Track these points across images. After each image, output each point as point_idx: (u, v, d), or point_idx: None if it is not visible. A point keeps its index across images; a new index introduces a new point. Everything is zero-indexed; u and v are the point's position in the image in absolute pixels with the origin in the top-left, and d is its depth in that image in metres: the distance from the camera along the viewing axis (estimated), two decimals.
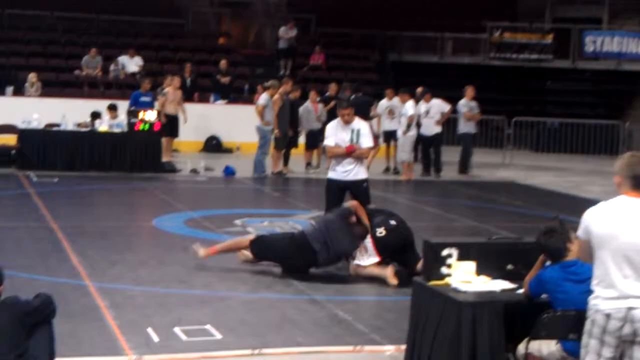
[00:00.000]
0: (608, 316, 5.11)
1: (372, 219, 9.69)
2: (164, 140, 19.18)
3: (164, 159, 18.98)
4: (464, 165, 20.60)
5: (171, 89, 19.87)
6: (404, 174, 19.35)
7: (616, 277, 5.12)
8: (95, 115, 18.81)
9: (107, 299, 8.56)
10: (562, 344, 5.68)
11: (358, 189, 10.88)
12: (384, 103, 20.18)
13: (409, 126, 18.93)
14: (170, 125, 19.71)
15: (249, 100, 22.75)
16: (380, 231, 9.59)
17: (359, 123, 10.90)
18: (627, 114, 27.93)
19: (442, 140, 20.12)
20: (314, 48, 28.19)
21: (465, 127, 20.57)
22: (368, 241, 9.58)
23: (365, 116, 18.22)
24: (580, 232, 5.31)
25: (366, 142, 10.81)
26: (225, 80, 24.51)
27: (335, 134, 10.86)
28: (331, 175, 11.05)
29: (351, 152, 10.75)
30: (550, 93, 30.28)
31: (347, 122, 10.81)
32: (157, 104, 19.78)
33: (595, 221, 5.20)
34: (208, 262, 10.33)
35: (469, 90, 20.62)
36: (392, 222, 9.74)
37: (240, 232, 12.30)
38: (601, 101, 29.67)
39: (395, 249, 9.68)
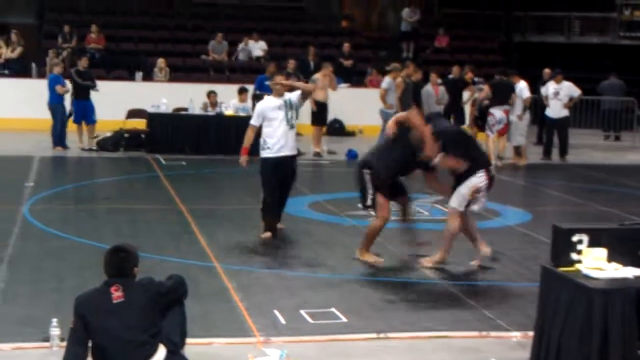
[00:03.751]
0: None
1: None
2: (313, 129, 19.10)
3: (315, 149, 18.90)
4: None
5: (320, 75, 19.31)
6: (522, 158, 18.74)
7: None
8: (212, 94, 18.97)
9: (235, 280, 8.74)
10: None
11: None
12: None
13: (525, 109, 18.37)
14: (319, 114, 19.18)
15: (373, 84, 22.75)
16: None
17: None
18: None
19: (569, 124, 19.66)
20: (437, 30, 27.95)
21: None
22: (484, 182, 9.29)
23: (506, 101, 17.95)
24: None
25: None
26: (347, 63, 24.54)
27: None
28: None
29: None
30: None
31: None
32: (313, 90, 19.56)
33: None
34: (333, 245, 10.42)
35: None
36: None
37: (365, 215, 12.34)
38: None
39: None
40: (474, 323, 7.67)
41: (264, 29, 26.56)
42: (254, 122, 10.72)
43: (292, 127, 10.70)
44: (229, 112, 18.80)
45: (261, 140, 10.70)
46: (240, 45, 25.24)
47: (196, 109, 18.83)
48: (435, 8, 30.36)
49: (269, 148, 10.62)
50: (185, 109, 18.95)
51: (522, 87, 18.30)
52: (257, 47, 25.36)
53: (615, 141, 23.98)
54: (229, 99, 19.16)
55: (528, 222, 12.31)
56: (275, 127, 10.56)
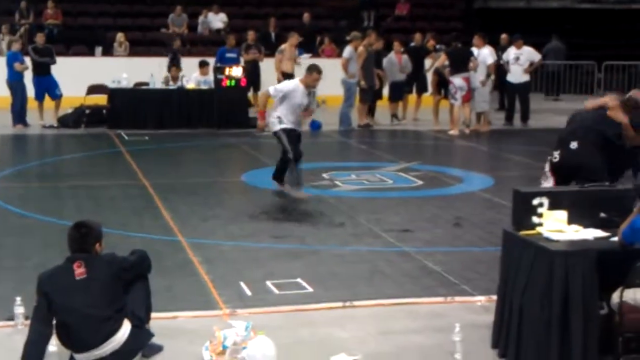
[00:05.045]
0: None
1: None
2: None
3: None
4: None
5: (288, 45, 19.33)
6: (485, 124, 18.78)
7: None
8: (173, 68, 18.85)
9: (200, 254, 8.73)
10: None
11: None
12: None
13: (489, 75, 18.35)
14: None
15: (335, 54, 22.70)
16: (555, 155, 8.15)
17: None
18: None
19: (530, 89, 19.75)
20: None
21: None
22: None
23: (465, 68, 17.88)
24: None
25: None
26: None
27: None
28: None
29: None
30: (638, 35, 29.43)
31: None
32: (274, 61, 19.49)
33: None
34: (298, 216, 10.45)
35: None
36: (573, 145, 8.07)
37: (329, 185, 12.37)
38: None
39: (570, 176, 7.98)
40: (439, 289, 7.73)
41: (224, 1, 26.36)
42: (273, 93, 11.30)
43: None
44: (190, 85, 18.71)
45: (275, 116, 11.33)
46: (200, 18, 25.05)
47: (157, 83, 18.71)
48: None
49: (285, 124, 11.29)
50: (147, 84, 18.82)
51: (486, 54, 18.23)
52: (218, 20, 25.19)
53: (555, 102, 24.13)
54: (191, 72, 19.06)
55: (491, 187, 12.40)
56: (293, 110, 11.27)
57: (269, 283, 7.77)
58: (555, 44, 24.99)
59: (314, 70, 11.40)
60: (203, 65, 19.13)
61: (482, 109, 18.59)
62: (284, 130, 11.29)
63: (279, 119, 11.27)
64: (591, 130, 8.04)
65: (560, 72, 24.56)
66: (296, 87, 11.33)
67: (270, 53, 20.92)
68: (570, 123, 8.37)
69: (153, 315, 6.14)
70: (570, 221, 6.26)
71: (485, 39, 18.45)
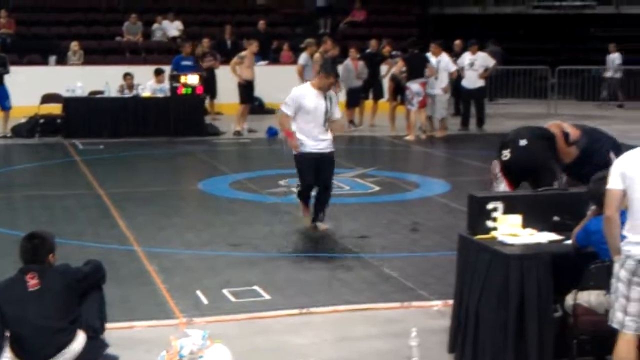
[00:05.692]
0: (638, 261, 5.17)
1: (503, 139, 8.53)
2: (240, 107, 18.91)
3: (235, 127, 18.76)
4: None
5: (248, 53, 19.17)
6: (441, 130, 18.86)
7: None
8: (128, 77, 18.75)
9: (156, 263, 8.67)
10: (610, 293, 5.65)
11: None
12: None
13: (451, 82, 18.45)
14: (247, 92, 19.02)
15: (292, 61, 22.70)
16: (505, 154, 8.23)
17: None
18: None
19: (485, 94, 19.90)
20: (353, 4, 27.98)
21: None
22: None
23: (421, 74, 17.96)
24: (611, 182, 5.33)
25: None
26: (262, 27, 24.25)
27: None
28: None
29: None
30: (593, 40, 29.78)
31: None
32: (229, 67, 19.44)
33: (629, 166, 5.25)
34: (254, 223, 10.42)
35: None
36: (522, 142, 8.26)
37: (285, 192, 12.36)
38: None
39: (523, 173, 8.17)
40: (396, 294, 7.74)
41: (180, 9, 26.27)
42: (285, 109, 9.99)
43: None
44: (146, 93, 18.60)
45: (296, 137, 10.00)
46: (155, 26, 24.93)
47: (112, 92, 18.57)
48: None
49: (303, 146, 9.98)
50: (101, 92, 18.67)
51: (447, 61, 18.37)
52: (173, 27, 25.07)
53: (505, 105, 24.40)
54: (146, 81, 18.94)
55: (447, 192, 12.46)
56: (310, 120, 9.90)
57: (225, 291, 7.73)
58: (492, 49, 25.13)
59: (326, 71, 9.97)
60: (158, 73, 19.02)
61: (442, 115, 18.72)
62: (299, 156, 9.97)
63: (299, 140, 9.91)
64: (537, 128, 8.30)
65: (499, 76, 24.70)
66: (306, 90, 9.94)
67: (226, 60, 20.85)
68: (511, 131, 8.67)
69: (108, 325, 6.07)
70: (525, 225, 6.31)
71: (441, 46, 18.58)
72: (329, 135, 10.03)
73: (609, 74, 25.25)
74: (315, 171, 9.93)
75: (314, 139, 9.88)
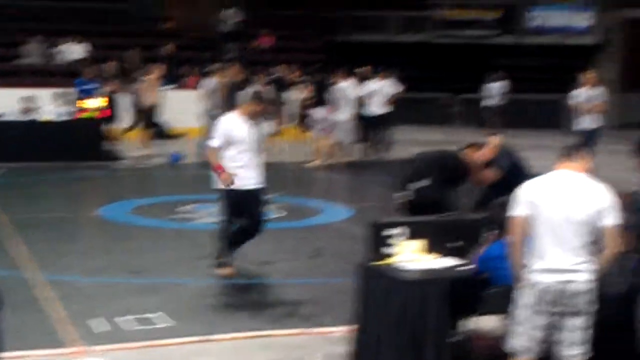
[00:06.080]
0: (544, 290, 5.24)
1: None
2: (142, 132, 18.71)
3: (139, 153, 18.53)
4: None
5: (153, 77, 19.02)
6: (347, 155, 18.94)
7: (552, 250, 5.24)
8: (28, 100, 18.41)
9: (55, 290, 8.48)
10: (507, 319, 5.73)
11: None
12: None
13: (355, 108, 18.58)
14: (148, 116, 18.88)
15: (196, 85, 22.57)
16: (409, 194, 8.43)
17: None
18: (570, 88, 28.19)
19: (391, 120, 20.12)
20: (261, 30, 28.04)
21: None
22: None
23: (325, 100, 18.05)
24: (516, 209, 5.39)
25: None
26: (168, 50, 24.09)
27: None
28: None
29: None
30: (495, 69, 30.48)
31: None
32: (134, 94, 19.23)
33: (535, 194, 5.33)
34: (157, 249, 10.30)
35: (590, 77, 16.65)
36: (424, 182, 8.47)
37: (189, 218, 12.25)
38: (545, 76, 29.92)
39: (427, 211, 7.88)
40: (297, 320, 7.72)
41: (85, 31, 25.89)
42: (216, 143, 9.31)
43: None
44: (47, 117, 18.25)
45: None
46: (58, 48, 24.52)
47: (12, 115, 18.17)
48: (259, 8, 30.43)
49: (237, 179, 9.17)
50: (1, 115, 18.25)
51: (350, 88, 18.50)
52: (77, 50, 24.71)
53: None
54: (48, 104, 18.59)
55: (350, 218, 12.53)
56: (243, 150, 9.19)
57: (126, 318, 7.61)
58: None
59: (254, 98, 9.56)
60: (60, 96, 18.70)
61: (345, 140, 18.81)
62: (225, 192, 9.17)
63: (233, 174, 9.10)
64: (441, 158, 8.45)
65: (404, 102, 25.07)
66: (233, 119, 9.25)
67: (130, 85, 20.63)
68: (414, 162, 8.74)
69: (2, 355, 5.90)
70: (425, 250, 6.37)
71: (346, 73, 18.73)
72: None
73: (490, 101, 25.66)
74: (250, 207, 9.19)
75: (251, 169, 9.14)
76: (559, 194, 5.32)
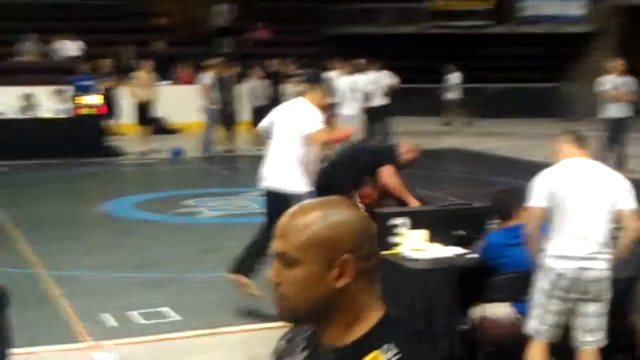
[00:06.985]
0: (560, 275, 5.29)
1: None
2: (140, 128, 18.73)
3: (140, 148, 18.54)
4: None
5: (144, 72, 19.02)
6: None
7: (569, 237, 5.29)
8: (27, 98, 18.41)
9: (61, 286, 8.52)
10: (515, 306, 5.80)
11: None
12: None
13: (363, 101, 18.41)
14: (143, 112, 18.85)
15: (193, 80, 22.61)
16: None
17: None
18: (566, 76, 28.28)
19: (390, 112, 20.14)
20: (255, 24, 28.06)
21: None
22: None
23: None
24: (534, 200, 5.43)
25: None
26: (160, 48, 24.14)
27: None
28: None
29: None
30: (489, 59, 30.51)
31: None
32: (127, 88, 19.23)
33: (555, 183, 5.37)
34: (161, 244, 10.34)
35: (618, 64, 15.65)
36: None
37: (193, 212, 12.30)
38: (541, 65, 29.99)
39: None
40: None
41: (82, 28, 25.90)
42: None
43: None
44: (46, 114, 18.28)
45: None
46: (55, 45, 24.53)
47: (12, 113, 18.20)
48: (253, 2, 30.45)
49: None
50: (1, 113, 18.28)
51: (354, 80, 18.26)
52: (74, 47, 24.73)
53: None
54: (46, 101, 18.63)
55: None
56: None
57: (133, 313, 7.66)
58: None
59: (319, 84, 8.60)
60: (59, 93, 18.74)
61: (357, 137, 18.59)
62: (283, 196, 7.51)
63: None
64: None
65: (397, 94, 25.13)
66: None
67: (127, 80, 20.68)
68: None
69: (12, 351, 5.95)
70: (431, 240, 6.42)
71: (345, 65, 18.61)
72: None
73: (450, 95, 25.65)
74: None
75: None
76: (577, 182, 5.35)
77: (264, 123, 8.01)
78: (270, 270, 2.08)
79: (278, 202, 7.26)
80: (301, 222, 2.01)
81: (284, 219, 2.04)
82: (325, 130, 7.70)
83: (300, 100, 7.91)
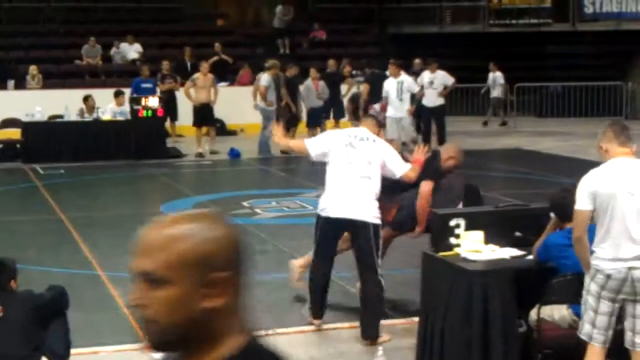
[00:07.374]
0: (608, 276, 5.22)
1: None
2: (198, 130, 18.80)
3: (199, 150, 18.61)
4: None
5: (201, 74, 19.03)
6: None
7: (617, 238, 5.21)
8: (89, 100, 18.62)
9: (120, 287, 8.60)
10: (572, 308, 5.72)
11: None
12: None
13: (415, 102, 18.21)
14: (201, 114, 18.79)
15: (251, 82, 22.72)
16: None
17: None
18: (628, 74, 27.84)
19: (445, 112, 20.04)
20: (312, 25, 28.10)
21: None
22: None
23: (380, 94, 17.81)
24: (580, 203, 5.34)
25: None
26: (224, 57, 24.35)
27: None
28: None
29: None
30: (551, 57, 30.18)
31: None
32: (182, 91, 19.44)
33: (601, 185, 5.28)
34: None
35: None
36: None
37: (249, 213, 12.35)
38: (602, 63, 29.57)
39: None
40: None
41: (139, 31, 26.22)
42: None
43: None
44: (106, 117, 18.52)
45: None
46: (114, 49, 24.86)
47: (72, 115, 18.47)
48: (310, 3, 30.53)
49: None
50: (61, 116, 18.56)
51: (411, 82, 17.76)
52: (132, 50, 25.03)
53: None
54: (106, 104, 18.86)
55: None
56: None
57: None
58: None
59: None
60: (118, 95, 18.97)
61: (411, 136, 18.35)
62: (318, 219, 7.61)
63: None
64: None
65: (457, 93, 24.95)
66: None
67: (186, 82, 20.84)
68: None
69: (74, 351, 6.02)
70: (487, 241, 6.36)
71: (400, 67, 18.23)
72: None
73: (494, 93, 25.21)
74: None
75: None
76: (623, 182, 5.28)
77: (318, 150, 7.51)
78: (130, 293, 1.89)
79: (357, 233, 7.21)
80: (168, 237, 1.86)
81: (145, 235, 1.87)
82: (414, 169, 7.49)
83: (364, 131, 7.47)
